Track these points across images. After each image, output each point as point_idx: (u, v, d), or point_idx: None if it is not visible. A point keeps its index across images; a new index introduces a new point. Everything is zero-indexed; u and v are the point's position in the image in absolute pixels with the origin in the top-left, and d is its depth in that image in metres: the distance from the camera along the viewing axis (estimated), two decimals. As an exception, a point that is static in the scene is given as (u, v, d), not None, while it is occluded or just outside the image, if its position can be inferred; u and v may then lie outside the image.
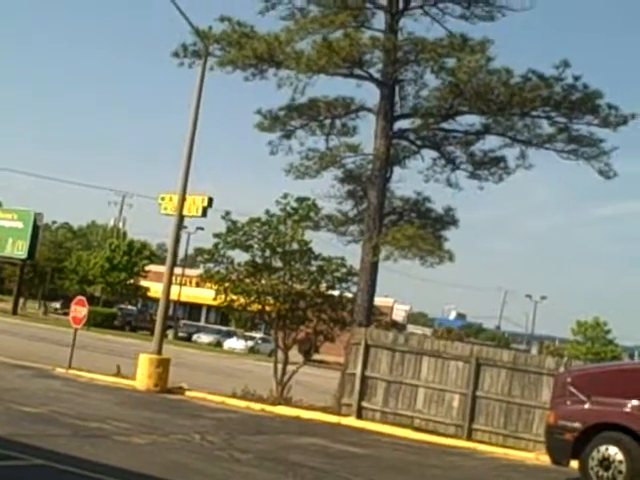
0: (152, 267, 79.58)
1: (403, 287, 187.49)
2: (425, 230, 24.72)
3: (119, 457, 12.29)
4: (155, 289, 73.07)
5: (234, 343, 69.98)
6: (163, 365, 24.85)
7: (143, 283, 76.75)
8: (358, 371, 23.22)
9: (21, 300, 73.45)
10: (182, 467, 12.42)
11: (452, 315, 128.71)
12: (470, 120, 26.06)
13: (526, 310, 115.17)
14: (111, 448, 13.14)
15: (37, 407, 16.66)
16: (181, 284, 69.47)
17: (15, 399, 17.42)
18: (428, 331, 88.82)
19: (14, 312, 65.55)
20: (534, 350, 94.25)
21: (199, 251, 26.44)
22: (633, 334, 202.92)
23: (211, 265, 26.07)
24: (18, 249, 66.36)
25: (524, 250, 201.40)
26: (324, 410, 23.49)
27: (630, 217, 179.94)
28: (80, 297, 29.51)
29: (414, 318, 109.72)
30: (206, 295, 70.69)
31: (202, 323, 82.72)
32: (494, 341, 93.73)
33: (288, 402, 24.12)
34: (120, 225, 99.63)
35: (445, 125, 26.12)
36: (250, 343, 70.04)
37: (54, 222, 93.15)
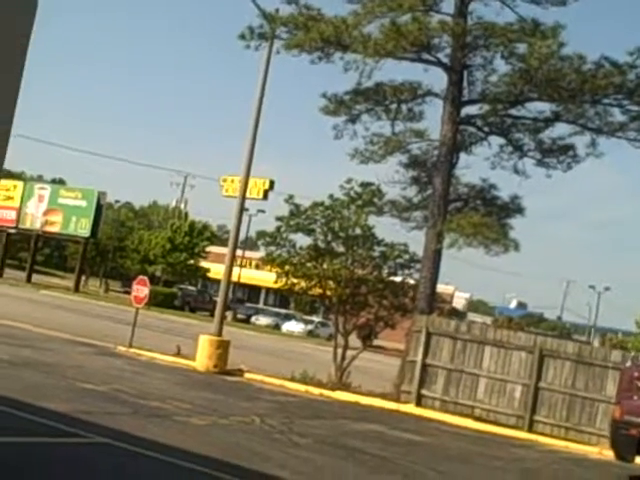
0: (212, 248, 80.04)
1: (464, 274, 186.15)
2: (490, 218, 24.37)
3: (179, 437, 12.31)
4: (215, 270, 73.47)
5: (292, 326, 70.18)
6: (223, 347, 24.94)
7: (203, 264, 77.23)
8: (419, 358, 23.05)
9: (83, 278, 74.43)
10: (242, 449, 12.39)
11: (513, 304, 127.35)
12: (539, 107, 25.61)
13: (589, 301, 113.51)
14: (171, 428, 13.17)
15: (99, 385, 16.78)
16: (241, 266, 69.78)
17: (78, 376, 17.57)
18: (488, 319, 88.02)
19: (76, 289, 66.46)
20: (596, 342, 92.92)
21: (261, 234, 26.44)
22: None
23: (273, 248, 26.06)
24: (81, 227, 67.14)
25: (589, 240, 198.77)
26: (383, 397, 23.38)
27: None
28: (142, 277, 29.69)
29: (474, 306, 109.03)
30: (265, 277, 71.15)
31: (261, 305, 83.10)
32: (555, 331, 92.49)
33: (347, 387, 24.04)
34: (182, 206, 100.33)
35: (513, 111, 25.71)
36: (308, 326, 70.20)
37: (117, 201, 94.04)
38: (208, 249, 78.47)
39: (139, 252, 78.98)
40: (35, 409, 12.24)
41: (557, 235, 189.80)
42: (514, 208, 26.56)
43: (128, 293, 69.19)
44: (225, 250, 26.94)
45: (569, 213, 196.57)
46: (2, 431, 10.51)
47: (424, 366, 23.03)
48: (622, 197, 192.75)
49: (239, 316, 70.71)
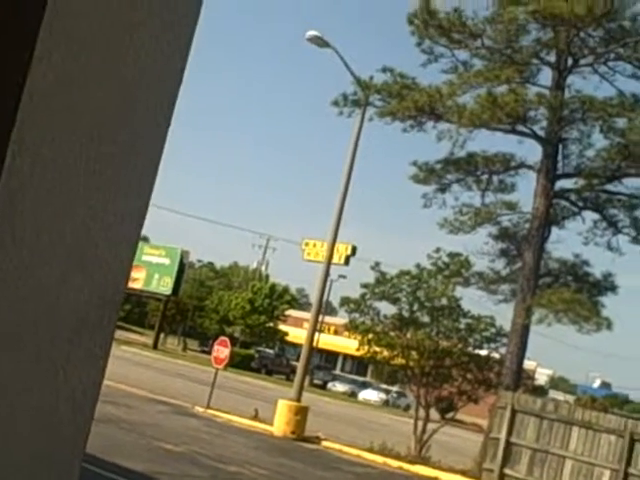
0: (292, 312, 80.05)
1: (545, 350, 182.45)
2: (582, 295, 23.76)
3: (259, 506, 12.01)
4: (293, 334, 73.42)
5: (369, 394, 69.32)
6: (301, 413, 24.61)
7: (282, 327, 77.22)
8: (502, 436, 22.33)
9: (162, 335, 75.04)
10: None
11: (596, 383, 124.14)
12: (637, 183, 25.13)
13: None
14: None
15: (177, 445, 16.60)
16: (320, 331, 69.49)
17: (156, 435, 17.44)
18: (570, 398, 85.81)
19: (154, 347, 66.95)
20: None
21: (345, 300, 26.19)
22: None
23: (357, 315, 25.78)
24: (163, 285, 67.88)
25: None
26: (464, 473, 22.72)
27: None
28: (223, 338, 29.64)
29: (555, 383, 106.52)
30: (344, 343, 70.81)
31: (338, 371, 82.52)
32: None
33: (426, 461, 23.44)
34: (262, 268, 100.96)
35: (609, 187, 25.29)
36: (385, 396, 69.27)
37: (199, 261, 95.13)
38: (287, 312, 78.52)
39: (218, 312, 79.39)
40: (114, 467, 12.10)
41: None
42: (607, 286, 25.90)
43: (206, 352, 69.97)
44: (304, 314, 26.89)
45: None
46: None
47: (508, 444, 22.30)
48: None
49: (315, 381, 70.22)
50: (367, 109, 25.67)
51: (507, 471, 22.15)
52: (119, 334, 73.54)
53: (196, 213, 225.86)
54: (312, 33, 24.06)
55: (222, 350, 27.73)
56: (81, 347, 1.29)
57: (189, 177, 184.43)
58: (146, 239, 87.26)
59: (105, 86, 1.24)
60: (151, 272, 67.83)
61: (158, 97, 1.34)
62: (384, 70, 25.47)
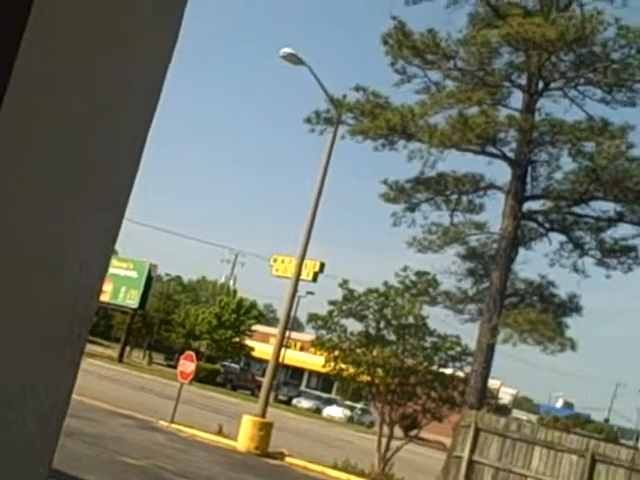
0: (259, 327, 79.83)
1: (509, 369, 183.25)
2: (547, 315, 23.94)
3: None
4: (260, 349, 73.18)
5: (333, 411, 69.26)
6: (266, 429, 24.53)
7: (248, 342, 76.99)
8: (466, 454, 22.39)
9: (127, 349, 74.53)
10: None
11: (559, 403, 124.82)
12: (604, 206, 25.39)
13: (638, 405, 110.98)
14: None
15: (140, 459, 16.49)
16: (287, 347, 69.38)
17: (119, 449, 17.31)
18: (533, 417, 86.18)
19: (120, 360, 66.47)
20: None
21: (313, 317, 26.19)
22: None
23: (324, 332, 25.78)
24: (130, 298, 67.49)
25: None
26: (426, 492, 22.72)
27: None
28: (189, 352, 29.51)
29: (518, 402, 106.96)
30: (309, 360, 70.70)
31: (303, 388, 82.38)
32: (602, 434, 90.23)
33: (390, 479, 23.46)
34: (230, 283, 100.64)
35: (577, 209, 25.55)
36: (349, 413, 69.25)
37: (167, 274, 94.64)
38: (254, 328, 78.31)
39: (185, 326, 79.01)
40: (76, 481, 11.98)
41: (608, 334, 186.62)
42: (572, 307, 26.16)
43: (171, 366, 69.55)
44: (271, 330, 26.92)
45: (623, 313, 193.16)
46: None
47: (470, 462, 22.36)
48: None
49: (280, 397, 70.04)
50: (339, 127, 25.76)
51: (470, 490, 22.22)
52: (84, 346, 72.84)
53: (165, 227, 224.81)
54: (286, 50, 24.12)
55: (188, 364, 27.60)
56: (51, 363, 1.29)
57: (159, 191, 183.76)
58: (114, 252, 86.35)
59: (82, 100, 1.25)
60: (118, 285, 67.38)
61: (136, 112, 1.35)
62: (357, 89, 25.62)
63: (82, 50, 1.26)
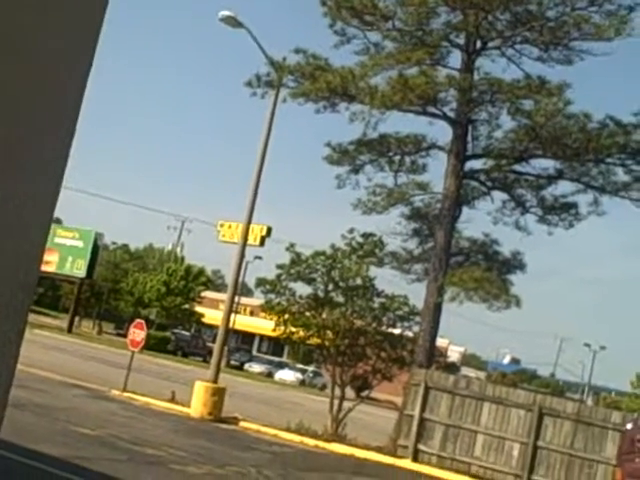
0: (207, 293, 79.76)
1: (457, 328, 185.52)
2: (492, 273, 24.29)
3: (176, 487, 12.08)
4: (210, 315, 73.21)
5: (285, 375, 69.70)
6: (218, 394, 24.66)
7: (198, 309, 76.96)
8: (416, 413, 22.79)
9: (76, 319, 74.00)
10: (239, 501, 12.15)
11: (506, 359, 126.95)
12: (544, 164, 25.69)
13: (583, 359, 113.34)
14: (168, 477, 12.95)
15: (93, 429, 16.52)
16: (236, 312, 69.50)
17: (71, 419, 17.31)
18: (481, 374, 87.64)
19: (69, 330, 66.02)
20: (589, 401, 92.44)
21: (261, 281, 26.26)
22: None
23: (273, 296, 25.89)
24: (77, 268, 66.91)
25: (586, 298, 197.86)
26: (379, 450, 23.06)
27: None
28: (139, 320, 29.44)
29: (467, 360, 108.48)
30: (260, 324, 70.93)
31: (254, 352, 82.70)
32: (548, 388, 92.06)
33: (343, 439, 23.74)
34: (178, 250, 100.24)
35: (517, 167, 25.81)
36: (301, 376, 69.75)
37: (113, 243, 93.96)
38: (203, 294, 78.25)
39: (133, 294, 78.66)
40: (28, 452, 12.00)
41: (552, 292, 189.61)
42: (515, 264, 26.54)
43: (121, 335, 69.25)
44: (220, 295, 26.95)
45: (566, 270, 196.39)
46: (-3, 475, 10.29)
47: (421, 420, 22.77)
48: (619, 255, 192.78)
49: (232, 362, 70.23)
50: (281, 90, 25.72)
51: (421, 447, 22.63)
52: (32, 318, 72.02)
53: (110, 195, 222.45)
54: (225, 13, 23.96)
55: (138, 333, 27.56)
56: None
57: (102, 159, 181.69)
58: (59, 221, 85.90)
59: (17, 69, 1.30)
60: (64, 255, 66.74)
61: (69, 80, 1.40)
62: (297, 51, 25.51)
63: (23, 13, 1.32)
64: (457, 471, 21.69)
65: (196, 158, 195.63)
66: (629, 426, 16.94)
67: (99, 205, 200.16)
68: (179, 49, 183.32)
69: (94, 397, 23.71)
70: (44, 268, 67.45)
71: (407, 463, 22.10)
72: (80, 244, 67.16)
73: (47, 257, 66.55)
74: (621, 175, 24.95)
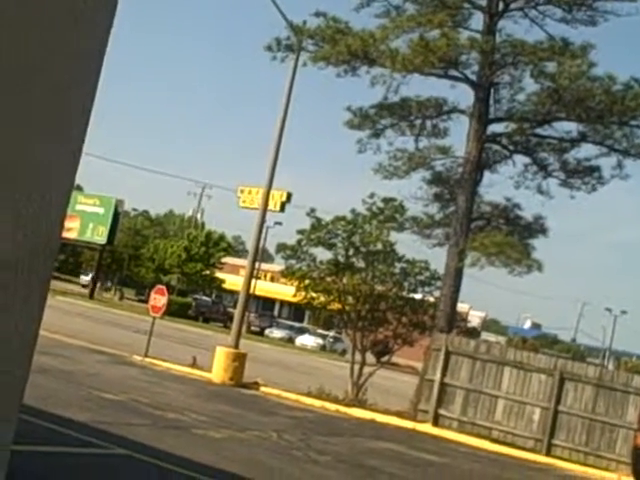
0: (228, 259, 79.94)
1: (478, 293, 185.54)
2: (513, 237, 24.16)
3: (198, 451, 12.13)
4: (230, 281, 73.42)
5: (306, 340, 69.94)
6: (239, 359, 24.76)
7: (219, 275, 77.19)
8: (437, 378, 22.81)
9: (98, 285, 74.43)
10: (261, 465, 12.23)
11: (527, 324, 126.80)
12: (566, 127, 25.42)
13: (604, 324, 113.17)
14: (190, 441, 13.00)
15: (117, 394, 16.63)
16: (257, 278, 69.69)
17: (95, 385, 17.43)
18: (502, 339, 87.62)
19: (91, 297, 66.46)
20: (610, 365, 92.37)
21: (282, 247, 26.24)
22: None
23: (293, 261, 25.87)
24: (98, 234, 67.18)
25: (608, 262, 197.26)
26: (399, 415, 23.12)
27: None
28: (160, 286, 29.54)
29: (487, 325, 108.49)
30: (280, 290, 71.07)
31: (275, 318, 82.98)
32: (569, 353, 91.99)
33: (363, 404, 23.81)
34: (198, 216, 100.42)
35: (540, 131, 25.55)
36: (322, 341, 69.98)
37: (134, 209, 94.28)
38: (224, 260, 78.44)
39: (154, 261, 78.96)
40: (54, 417, 12.09)
41: (574, 256, 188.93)
42: (537, 228, 26.36)
43: (142, 301, 69.60)
44: (240, 261, 27.00)
45: (587, 234, 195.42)
46: (22, 439, 10.35)
47: (442, 385, 22.79)
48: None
49: (253, 328, 70.54)
50: (301, 54, 25.54)
51: (441, 411, 22.67)
52: (54, 284, 72.80)
53: (130, 161, 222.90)
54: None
55: (159, 298, 27.66)
56: (16, 294, 1.31)
57: (123, 125, 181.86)
58: (80, 188, 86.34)
59: (35, 33, 1.26)
60: (85, 221, 67.02)
61: (89, 45, 1.36)
62: (317, 14, 25.28)
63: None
64: (478, 435, 21.73)
65: (216, 124, 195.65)
66: (651, 390, 16.89)
67: (119, 172, 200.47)
68: (199, 16, 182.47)
69: (116, 363, 23.86)
70: (65, 235, 67.76)
71: (428, 428, 22.15)
72: (101, 211, 67.40)
73: (68, 224, 66.80)
74: (645, 137, 24.69)
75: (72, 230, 67.44)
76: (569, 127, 25.48)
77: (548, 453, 21.11)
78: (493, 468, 17.99)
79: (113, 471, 10.01)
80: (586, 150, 25.98)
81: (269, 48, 25.55)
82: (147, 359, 25.80)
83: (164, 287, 29.07)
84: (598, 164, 25.91)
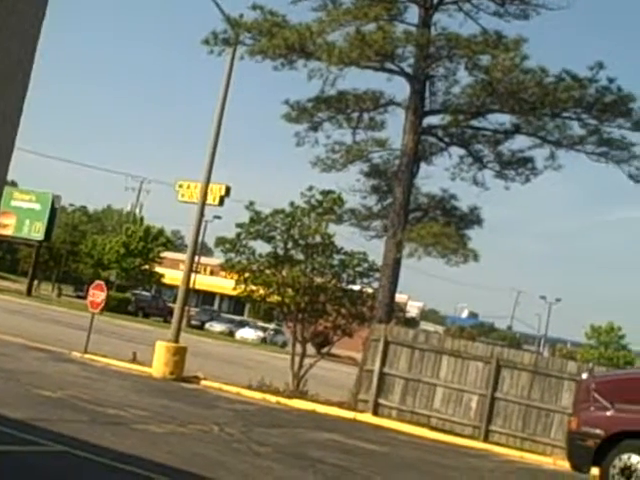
0: (167, 254, 79.50)
1: (416, 283, 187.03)
2: (450, 228, 24.46)
3: (139, 446, 12.13)
4: (170, 276, 73.06)
5: (246, 333, 69.97)
6: (180, 353, 24.73)
7: (158, 270, 76.72)
8: (376, 367, 23.03)
9: (35, 282, 73.46)
10: (202, 458, 12.26)
11: (464, 313, 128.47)
12: (500, 119, 25.83)
13: (539, 312, 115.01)
14: (130, 436, 12.99)
15: (55, 391, 16.51)
16: (196, 272, 69.41)
17: (34, 382, 17.29)
18: (440, 329, 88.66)
19: (28, 293, 65.59)
20: (545, 352, 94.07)
21: (221, 240, 26.23)
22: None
23: (232, 255, 25.89)
24: (35, 231, 66.32)
25: (542, 251, 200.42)
26: (340, 405, 23.33)
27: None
28: (99, 282, 29.35)
29: (425, 315, 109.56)
30: (220, 284, 70.88)
31: (215, 311, 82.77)
32: (505, 341, 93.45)
33: (304, 396, 23.96)
34: (137, 211, 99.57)
35: (475, 123, 25.93)
36: (262, 334, 70.05)
37: (71, 205, 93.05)
38: (163, 254, 77.99)
39: (92, 256, 78.21)
40: (-10, 415, 12.00)
41: (509, 246, 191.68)
42: (473, 219, 26.76)
43: (81, 298, 68.82)
44: (180, 256, 26.94)
45: (522, 224, 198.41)
46: (-41, 438, 10.28)
47: (381, 375, 23.01)
48: (574, 209, 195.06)
49: (193, 322, 70.27)
50: (238, 48, 25.51)
51: (381, 401, 22.91)
52: (-11, 282, 71.75)
53: (68, 157, 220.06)
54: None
55: (98, 294, 27.48)
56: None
57: (60, 121, 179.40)
58: (14, 184, 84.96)
59: None
60: (22, 218, 66.10)
61: (19, 44, 1.42)
62: (254, 7, 25.25)
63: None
64: (417, 423, 22.01)
65: (154, 119, 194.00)
66: (584, 376, 17.24)
67: (56, 168, 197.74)
68: (136, 10, 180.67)
69: (55, 359, 23.65)
70: (1, 232, 66.85)
71: (368, 417, 22.37)
72: (37, 207, 66.52)
73: (4, 220, 65.90)
74: (577, 129, 25.20)
75: (8, 227, 66.49)
76: (503, 119, 25.92)
77: (486, 439, 21.47)
78: (433, 455, 18.25)
79: (50, 469, 9.97)
80: (520, 142, 26.46)
81: (206, 42, 25.47)
82: (87, 355, 25.63)
83: (102, 283, 28.88)
84: (531, 155, 26.40)
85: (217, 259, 61.25)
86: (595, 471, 15.46)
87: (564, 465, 17.47)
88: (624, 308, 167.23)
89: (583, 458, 15.66)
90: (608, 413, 15.56)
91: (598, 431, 15.35)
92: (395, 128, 26.21)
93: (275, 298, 26.13)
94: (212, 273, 77.41)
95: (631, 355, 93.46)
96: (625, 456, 14.85)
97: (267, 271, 25.62)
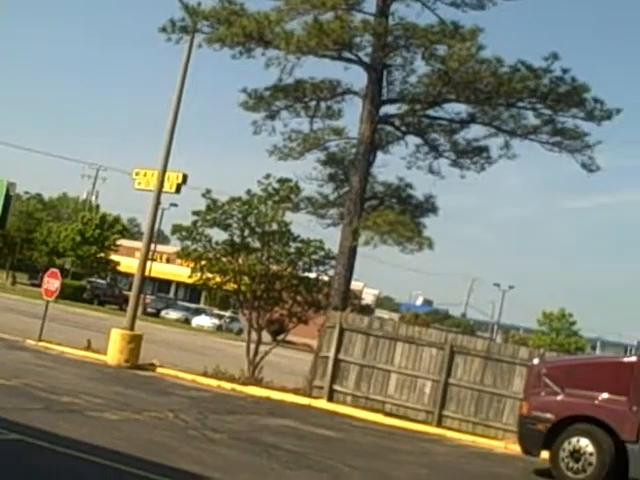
0: (123, 242, 79.01)
1: (371, 271, 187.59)
2: (405, 216, 24.63)
3: (93, 433, 12.15)
4: (126, 264, 72.61)
5: (202, 320, 69.91)
6: (135, 341, 24.69)
7: (114, 257, 76.24)
8: (331, 354, 23.17)
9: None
10: (157, 446, 12.31)
11: (419, 301, 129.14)
12: (456, 108, 26.01)
13: (493, 299, 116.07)
14: (85, 424, 12.99)
15: (9, 379, 16.43)
16: (152, 260, 69.05)
17: (-14, 370, 17.20)
18: (395, 316, 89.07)
19: (-19, 282, 64.81)
20: (499, 339, 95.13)
21: (177, 228, 26.17)
22: (597, 326, 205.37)
23: (189, 242, 25.86)
24: (-11, 218, 65.45)
25: (495, 239, 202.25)
26: (295, 392, 23.45)
27: (601, 211, 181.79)
28: (53, 269, 29.18)
29: (381, 302, 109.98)
30: (176, 271, 70.63)
31: (171, 299, 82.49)
32: (459, 328, 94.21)
33: (259, 382, 24.05)
34: (93, 198, 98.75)
35: (431, 112, 26.08)
36: (218, 321, 70.01)
37: (26, 192, 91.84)
38: (119, 242, 77.51)
39: (48, 245, 77.47)
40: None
41: (463, 234, 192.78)
42: (428, 207, 26.96)
43: (35, 286, 68.21)
44: (136, 244, 26.86)
45: (477, 212, 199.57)
46: None
47: (336, 362, 23.16)
48: (528, 198, 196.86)
49: (149, 310, 70.02)
50: (196, 36, 25.43)
51: (336, 387, 23.06)
52: (-58, 269, 70.80)
53: (21, 144, 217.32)
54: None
55: (52, 282, 27.34)
56: None
57: (11, 107, 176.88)
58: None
59: None
60: (-25, 205, 65.12)
61: None
62: (212, -5, 25.18)
63: None
64: (372, 409, 22.17)
65: (111, 106, 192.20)
66: (536, 361, 17.54)
67: (11, 155, 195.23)
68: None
69: (9, 347, 23.50)
70: (-47, 218, 65.94)
71: (323, 403, 22.51)
72: (-9, 194, 65.59)
73: (-44, 207, 64.87)
74: (531, 119, 25.46)
75: (-40, 213, 65.49)
76: (459, 108, 26.09)
77: (439, 424, 21.69)
78: (387, 441, 18.43)
79: (4, 457, 9.94)
80: (475, 131, 26.68)
81: (164, 29, 25.34)
82: (41, 343, 25.49)
83: (57, 271, 28.71)
84: (487, 144, 26.64)
85: (173, 247, 61.04)
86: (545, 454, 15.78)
87: (515, 449, 17.77)
88: (576, 295, 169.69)
89: (534, 442, 15.98)
90: (558, 398, 15.87)
91: (549, 415, 15.66)
92: (352, 117, 26.33)
93: (231, 286, 26.16)
94: (168, 261, 77.06)
95: (582, 341, 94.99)
96: (574, 439, 15.18)
97: (223, 259, 25.64)
